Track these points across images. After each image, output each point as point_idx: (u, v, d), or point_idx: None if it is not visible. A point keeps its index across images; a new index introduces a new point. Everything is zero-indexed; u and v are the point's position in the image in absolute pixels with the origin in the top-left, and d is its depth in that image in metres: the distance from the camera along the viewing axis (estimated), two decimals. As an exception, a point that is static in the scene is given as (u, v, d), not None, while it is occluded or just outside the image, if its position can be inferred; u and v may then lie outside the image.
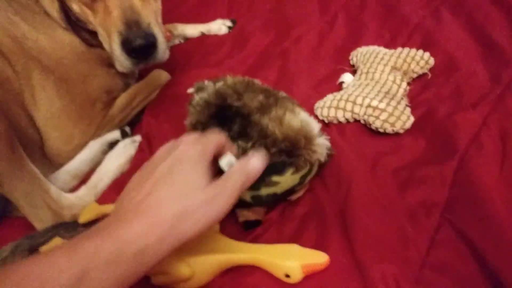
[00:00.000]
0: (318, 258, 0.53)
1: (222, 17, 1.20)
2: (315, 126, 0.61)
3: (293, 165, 0.57)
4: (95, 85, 0.86)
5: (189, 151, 0.45)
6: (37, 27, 0.82)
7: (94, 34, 0.83)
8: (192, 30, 1.15)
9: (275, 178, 0.56)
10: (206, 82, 0.68)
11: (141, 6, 0.74)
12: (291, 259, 0.52)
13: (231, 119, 0.61)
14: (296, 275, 0.51)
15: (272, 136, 0.56)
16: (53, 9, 0.81)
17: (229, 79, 0.67)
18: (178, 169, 0.43)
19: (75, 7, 0.77)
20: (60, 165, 0.82)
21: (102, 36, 0.78)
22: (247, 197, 0.57)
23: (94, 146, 0.83)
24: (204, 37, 1.14)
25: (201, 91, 0.66)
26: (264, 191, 0.57)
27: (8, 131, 0.68)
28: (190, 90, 0.69)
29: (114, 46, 0.73)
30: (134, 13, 0.73)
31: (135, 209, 0.41)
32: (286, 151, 0.56)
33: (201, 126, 0.62)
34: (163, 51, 0.77)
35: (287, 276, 0.51)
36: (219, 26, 1.16)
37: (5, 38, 0.81)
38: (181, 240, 0.40)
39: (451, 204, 0.59)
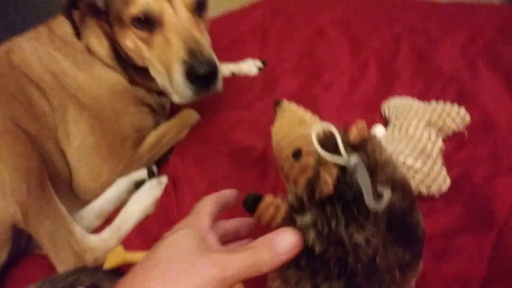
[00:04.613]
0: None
1: (253, 57, 1.21)
2: None
3: None
4: (127, 123, 0.87)
5: None
6: (78, 64, 0.85)
7: (139, 71, 0.85)
8: (223, 69, 1.15)
9: None
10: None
11: (199, 36, 0.75)
12: None
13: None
14: None
15: None
16: (101, 47, 0.84)
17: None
18: None
19: (129, 43, 0.78)
20: (87, 201, 0.82)
21: (157, 70, 0.79)
22: None
23: (120, 185, 0.83)
24: (234, 78, 1.15)
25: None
26: None
27: (40, 168, 0.70)
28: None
29: (176, 76, 0.73)
30: (196, 42, 0.73)
31: None
32: None
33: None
34: (221, 81, 0.77)
35: None
36: (250, 67, 1.16)
37: (45, 73, 0.84)
38: None
39: (490, 281, 0.56)
